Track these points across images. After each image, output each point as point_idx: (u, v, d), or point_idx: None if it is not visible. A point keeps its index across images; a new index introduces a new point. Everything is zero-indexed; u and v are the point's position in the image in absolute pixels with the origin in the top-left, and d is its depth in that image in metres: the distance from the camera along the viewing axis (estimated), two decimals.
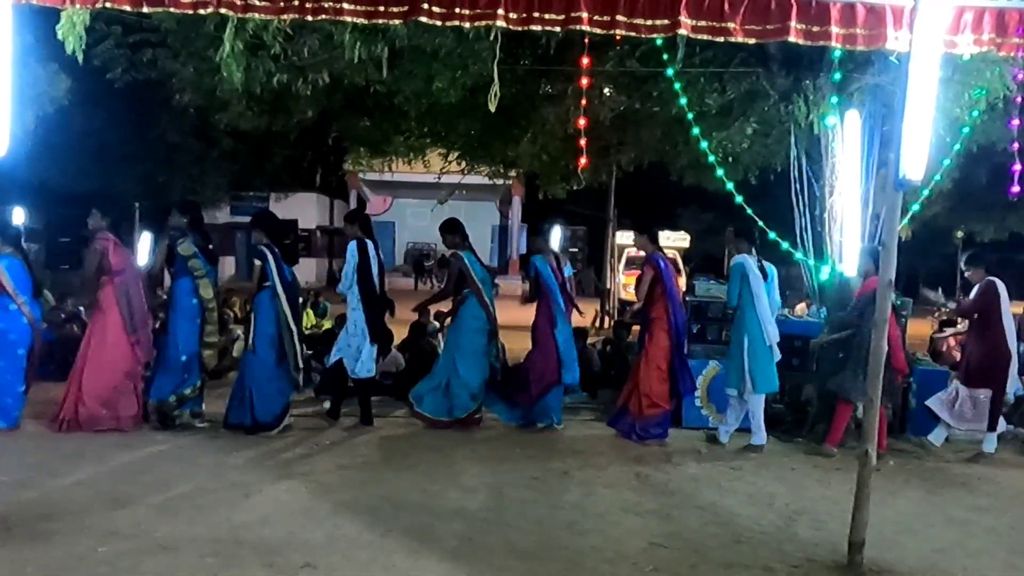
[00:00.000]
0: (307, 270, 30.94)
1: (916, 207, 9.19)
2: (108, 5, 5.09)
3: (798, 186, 8.56)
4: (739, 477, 6.85)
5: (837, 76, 7.92)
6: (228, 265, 32.80)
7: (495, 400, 8.39)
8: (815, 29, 5.01)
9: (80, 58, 6.67)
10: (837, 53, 7.52)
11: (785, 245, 8.97)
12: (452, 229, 8.39)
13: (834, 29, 5.00)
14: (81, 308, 11.87)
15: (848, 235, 8.25)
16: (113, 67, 10.16)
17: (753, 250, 7.77)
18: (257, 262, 7.68)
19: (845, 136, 8.14)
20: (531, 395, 8.18)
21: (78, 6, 5.35)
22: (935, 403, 7.78)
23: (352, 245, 7.99)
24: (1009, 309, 7.70)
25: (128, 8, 5.23)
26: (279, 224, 8.41)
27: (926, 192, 9.00)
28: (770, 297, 7.75)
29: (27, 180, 17.31)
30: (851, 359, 7.42)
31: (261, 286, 7.62)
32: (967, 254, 8.21)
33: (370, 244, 8.08)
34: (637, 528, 5.48)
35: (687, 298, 8.94)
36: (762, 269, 7.70)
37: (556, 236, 14.23)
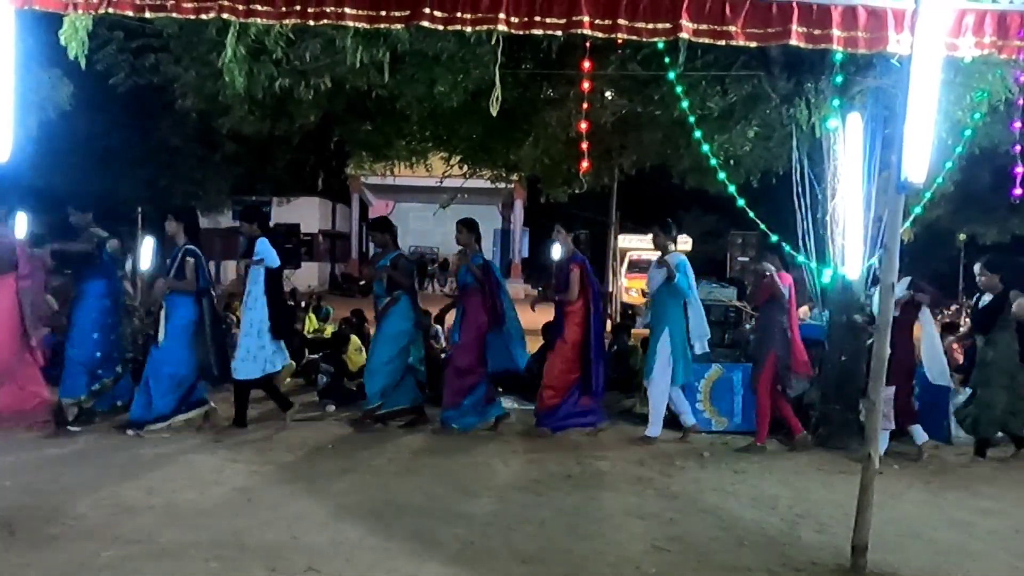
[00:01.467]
0: (309, 274, 31.00)
1: (918, 210, 9.15)
2: (110, 10, 5.11)
3: (800, 189, 8.54)
4: (742, 480, 6.84)
5: (839, 79, 7.91)
6: (231, 269, 32.88)
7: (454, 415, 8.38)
8: (816, 32, 5.01)
9: (83, 63, 6.67)
10: (839, 56, 7.51)
11: (787, 248, 8.96)
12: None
13: (835, 32, 5.00)
14: None
15: (850, 238, 8.24)
16: (115, 72, 10.17)
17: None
18: (191, 259, 7.71)
19: (847, 139, 8.13)
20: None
21: (80, 11, 5.35)
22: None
23: (264, 242, 7.96)
24: None
25: (130, 13, 5.24)
26: (195, 222, 8.51)
27: (928, 195, 8.97)
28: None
29: (30, 185, 17.28)
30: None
31: (194, 285, 7.71)
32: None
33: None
34: (640, 532, 5.48)
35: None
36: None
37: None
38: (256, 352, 7.88)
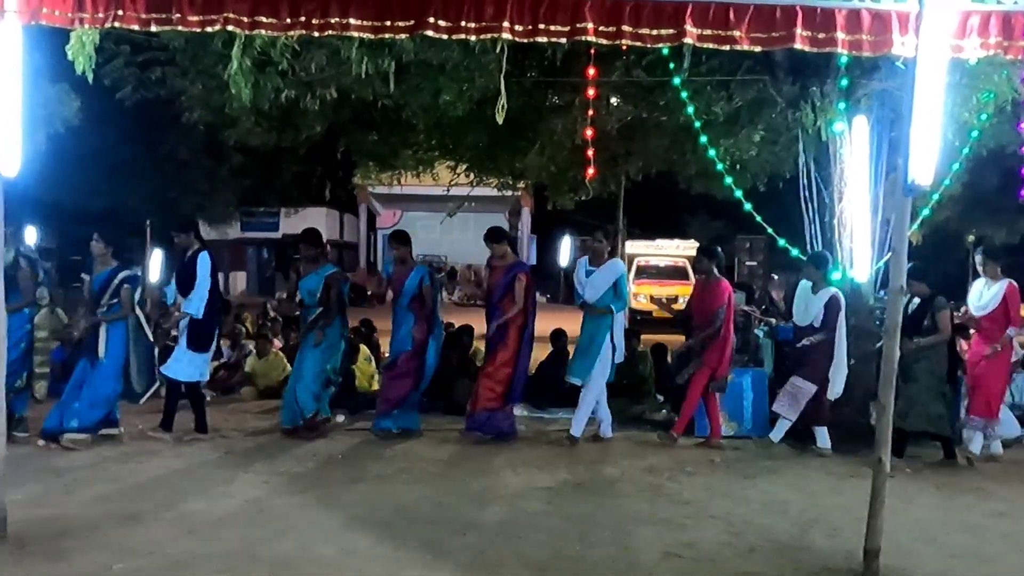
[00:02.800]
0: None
1: (926, 212, 9.16)
2: (117, 24, 5.13)
3: (807, 193, 8.54)
4: (752, 486, 6.82)
5: (844, 82, 7.91)
6: (240, 280, 32.96)
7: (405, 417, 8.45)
8: (821, 36, 5.00)
9: (90, 78, 6.71)
10: (844, 59, 7.51)
11: (795, 252, 8.95)
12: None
13: (840, 35, 4.99)
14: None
15: (858, 241, 8.23)
16: (122, 86, 10.21)
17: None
18: (128, 287, 7.65)
19: (853, 142, 8.13)
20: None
21: (87, 26, 5.37)
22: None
23: (205, 256, 7.94)
24: None
25: (136, 27, 5.26)
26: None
27: (936, 197, 8.97)
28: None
29: (39, 199, 17.40)
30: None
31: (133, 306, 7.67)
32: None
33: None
34: (650, 538, 5.47)
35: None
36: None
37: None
38: (193, 357, 7.88)
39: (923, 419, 7.61)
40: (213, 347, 8.20)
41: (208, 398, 9.98)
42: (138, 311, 7.82)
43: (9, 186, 5.16)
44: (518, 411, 9.38)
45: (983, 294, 7.85)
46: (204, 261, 7.89)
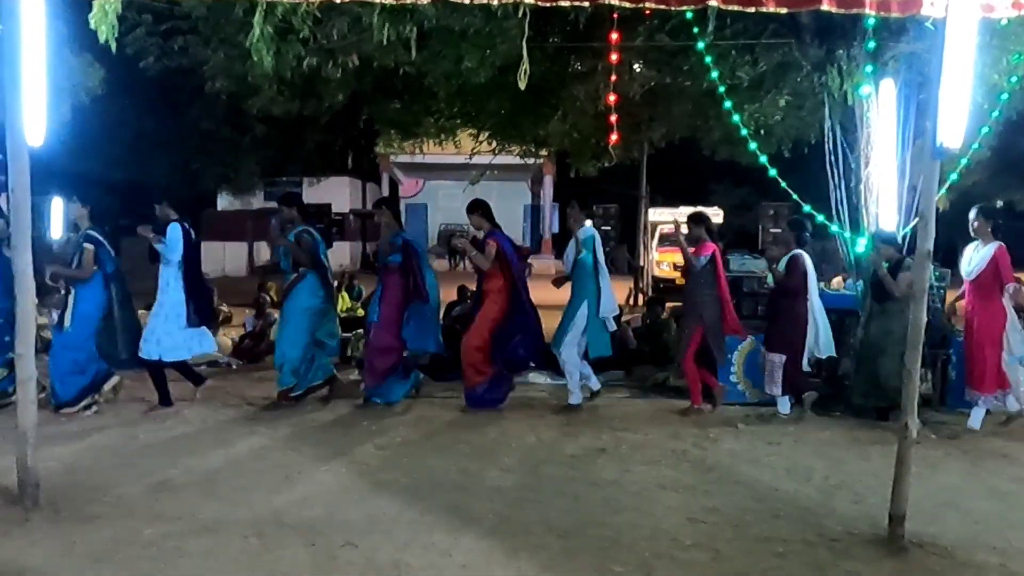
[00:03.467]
0: (341, 253, 31.15)
1: (954, 176, 9.03)
2: None
3: (832, 158, 8.45)
4: (777, 452, 6.82)
5: (871, 45, 7.79)
6: (264, 249, 33.11)
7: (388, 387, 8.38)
8: None
9: (113, 47, 6.74)
10: (871, 21, 7.40)
11: (820, 218, 8.88)
12: (471, 208, 8.41)
13: None
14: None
15: (884, 206, 8.15)
16: (145, 56, 10.24)
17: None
18: (89, 246, 7.57)
19: (880, 106, 8.02)
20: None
21: None
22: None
23: (174, 227, 7.90)
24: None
25: None
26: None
27: (964, 161, 8.85)
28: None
29: (63, 170, 17.48)
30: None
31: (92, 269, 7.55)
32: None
33: (187, 225, 8.05)
34: (675, 504, 5.49)
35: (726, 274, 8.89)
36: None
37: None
38: (162, 336, 7.82)
39: (885, 393, 7.61)
40: (199, 321, 8.00)
41: (234, 367, 10.12)
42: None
43: (34, 156, 5.19)
44: (541, 378, 9.43)
45: (972, 258, 7.59)
46: (173, 231, 7.86)
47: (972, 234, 7.61)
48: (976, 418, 7.58)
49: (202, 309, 8.07)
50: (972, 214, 7.65)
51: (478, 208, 8.32)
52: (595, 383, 8.50)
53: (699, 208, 8.44)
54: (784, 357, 7.91)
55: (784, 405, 8.03)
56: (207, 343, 8.15)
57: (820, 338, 7.97)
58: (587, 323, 8.18)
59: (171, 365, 7.98)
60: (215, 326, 9.74)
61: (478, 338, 8.08)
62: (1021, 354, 7.50)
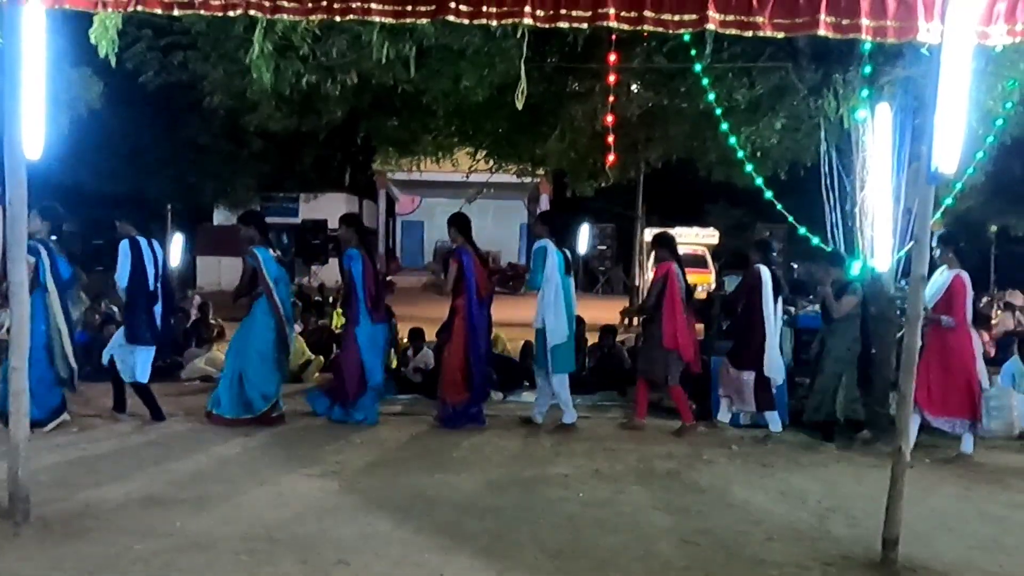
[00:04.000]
0: (336, 270, 31.17)
1: (949, 201, 9.06)
2: (140, 8, 5.14)
3: (828, 181, 8.47)
4: (771, 474, 6.81)
5: (867, 69, 7.82)
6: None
7: (316, 395, 8.56)
8: (845, 22, 4.95)
9: (113, 61, 6.75)
10: (867, 46, 7.43)
11: (816, 240, 8.90)
12: (453, 223, 8.47)
13: (864, 21, 4.94)
14: (115, 308, 12.04)
15: (880, 230, 8.17)
16: (145, 70, 10.25)
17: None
18: (30, 258, 7.25)
19: (876, 130, 8.05)
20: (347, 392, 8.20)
21: (110, 9, 5.40)
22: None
23: (123, 243, 7.89)
24: None
25: (159, 11, 5.28)
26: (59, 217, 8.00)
27: (959, 186, 8.87)
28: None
29: (61, 183, 17.52)
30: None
31: (34, 284, 7.27)
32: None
33: (145, 241, 8.01)
34: (668, 526, 5.47)
35: (719, 293, 8.93)
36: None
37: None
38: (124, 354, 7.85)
39: (822, 411, 7.84)
40: (150, 338, 7.93)
41: None
42: (51, 288, 7.49)
43: (32, 169, 5.20)
44: (535, 397, 9.40)
45: (932, 284, 7.53)
46: (122, 248, 7.85)
47: (938, 262, 7.73)
48: (967, 442, 7.54)
49: (151, 326, 7.93)
50: (934, 243, 7.73)
51: (455, 223, 8.40)
52: (537, 415, 8.40)
53: (665, 229, 8.56)
54: (753, 374, 8.02)
55: (775, 423, 8.07)
56: (137, 367, 7.94)
57: (771, 363, 8.09)
58: (549, 338, 8.14)
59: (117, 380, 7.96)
60: (174, 347, 9.67)
61: (458, 357, 8.06)
62: (985, 386, 7.60)
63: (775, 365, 8.07)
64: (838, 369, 7.83)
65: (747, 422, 8.37)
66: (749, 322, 8.14)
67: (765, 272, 8.15)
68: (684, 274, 8.43)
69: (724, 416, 8.42)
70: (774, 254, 8.03)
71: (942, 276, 7.55)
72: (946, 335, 7.47)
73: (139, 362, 7.91)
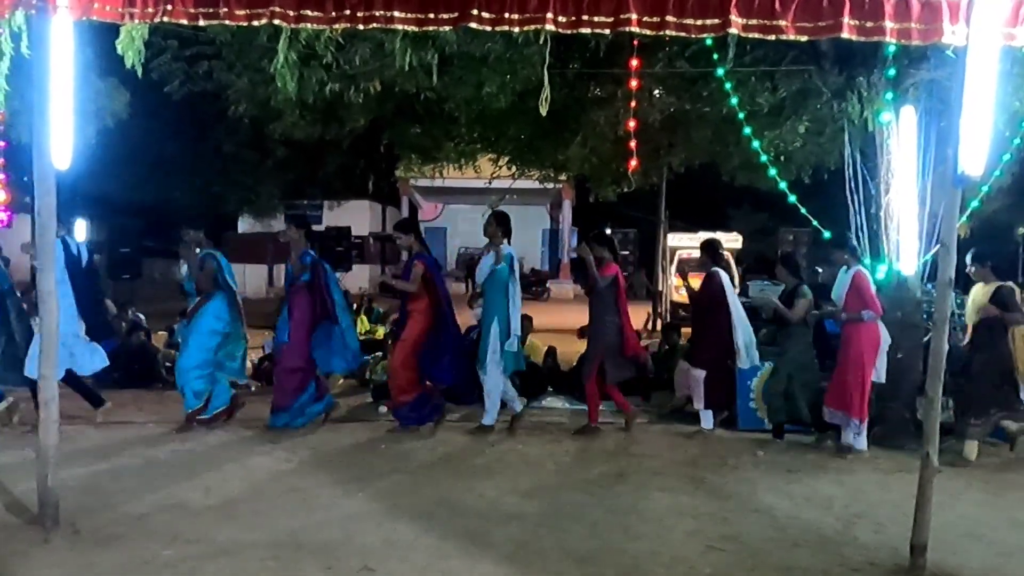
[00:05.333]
0: (360, 276, 31.26)
1: (975, 204, 8.97)
2: (166, 19, 5.20)
3: (852, 184, 8.41)
4: (796, 480, 6.77)
5: (891, 72, 7.78)
6: (283, 273, 33.23)
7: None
8: (868, 25, 4.93)
9: (139, 72, 6.82)
10: (891, 49, 7.38)
11: (827, 234, 8.85)
12: (403, 229, 8.55)
13: (888, 24, 4.91)
14: (141, 316, 12.16)
15: (905, 234, 8.11)
16: (170, 80, 10.35)
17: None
18: None
19: (901, 133, 7.99)
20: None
21: (137, 21, 5.47)
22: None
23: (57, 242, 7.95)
24: None
25: (185, 21, 5.34)
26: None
27: (985, 188, 8.79)
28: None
29: (88, 192, 17.75)
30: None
31: None
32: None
33: (72, 240, 8.03)
34: (693, 531, 5.45)
35: (741, 299, 8.90)
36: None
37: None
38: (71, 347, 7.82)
39: (782, 412, 8.04)
40: (84, 333, 7.94)
41: (252, 388, 10.14)
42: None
43: (60, 179, 5.27)
44: (557, 403, 9.42)
45: (838, 284, 7.95)
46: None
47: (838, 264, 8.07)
48: (848, 435, 7.72)
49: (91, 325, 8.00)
50: (831, 251, 8.24)
51: (407, 229, 8.48)
52: (517, 406, 8.45)
53: (605, 230, 8.71)
54: (704, 372, 8.24)
55: (707, 420, 8.32)
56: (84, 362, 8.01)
57: (742, 350, 8.26)
58: (500, 341, 8.15)
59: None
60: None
61: (402, 357, 8.07)
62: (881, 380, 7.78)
63: (751, 355, 8.30)
64: (792, 371, 7.99)
65: (769, 427, 8.31)
66: (710, 324, 8.35)
67: (724, 275, 8.41)
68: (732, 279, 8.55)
69: (708, 424, 8.40)
70: (723, 252, 8.37)
71: (845, 275, 7.82)
72: (859, 330, 7.66)
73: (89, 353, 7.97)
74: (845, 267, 7.88)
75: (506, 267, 8.15)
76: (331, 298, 8.20)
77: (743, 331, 8.31)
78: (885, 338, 7.74)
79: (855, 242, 8.20)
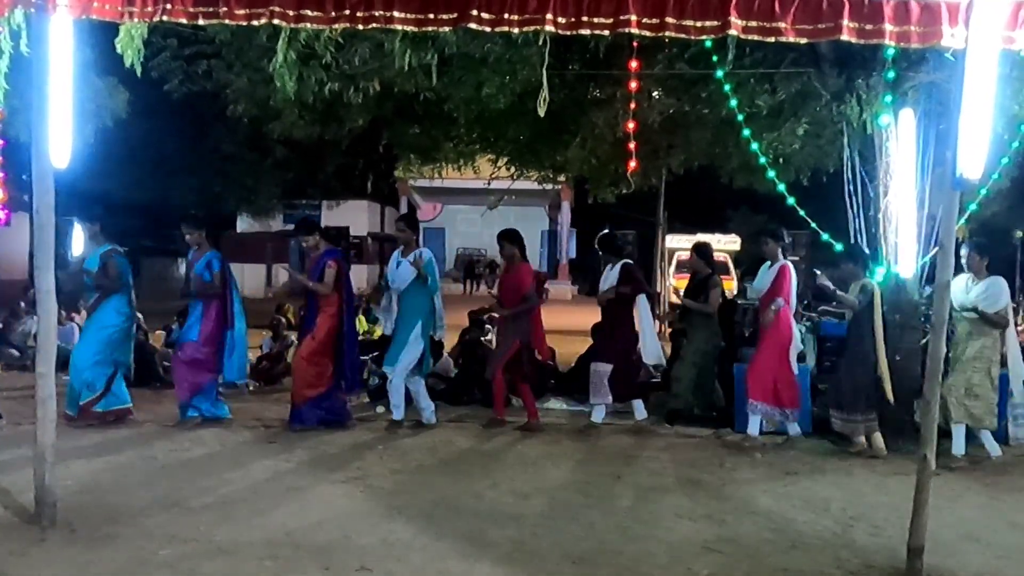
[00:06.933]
0: (358, 277, 31.27)
1: (973, 207, 8.98)
2: (165, 18, 5.20)
3: (851, 187, 8.43)
4: (794, 482, 6.77)
5: (891, 75, 7.78)
6: (283, 272, 33.25)
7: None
8: (868, 27, 4.93)
9: (138, 71, 6.82)
10: (890, 51, 7.39)
11: (839, 247, 8.85)
12: (308, 229, 8.51)
13: (887, 27, 4.91)
14: (139, 315, 12.14)
15: (904, 236, 8.12)
16: (169, 79, 10.36)
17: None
18: None
19: (899, 135, 8.00)
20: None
21: (136, 19, 5.46)
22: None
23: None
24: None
25: (184, 21, 5.34)
26: None
27: (984, 191, 8.81)
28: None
29: (88, 191, 17.74)
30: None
31: None
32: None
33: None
34: (691, 533, 5.45)
35: (738, 301, 8.93)
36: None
37: None
38: None
39: (681, 399, 8.39)
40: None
41: (251, 388, 10.14)
42: None
43: (59, 178, 5.26)
44: (556, 404, 9.41)
45: (761, 276, 8.18)
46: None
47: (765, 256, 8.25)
48: (753, 426, 7.93)
49: None
50: (763, 239, 8.35)
51: (314, 229, 8.44)
52: (431, 417, 8.45)
53: (510, 228, 8.83)
54: (611, 367, 8.34)
55: (599, 414, 8.49)
56: None
57: (647, 346, 8.50)
58: (421, 340, 8.23)
59: None
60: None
61: (309, 352, 8.03)
62: (796, 371, 8.01)
63: (652, 351, 8.53)
64: (697, 361, 8.26)
65: (769, 429, 8.32)
66: (617, 319, 8.51)
67: (636, 269, 8.60)
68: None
69: (598, 417, 8.58)
70: (630, 247, 8.67)
71: (771, 268, 8.06)
72: (777, 322, 7.86)
73: None
74: (769, 263, 8.15)
75: (433, 269, 8.30)
76: (232, 304, 8.29)
77: (649, 326, 8.61)
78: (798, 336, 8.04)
79: (864, 250, 8.20)
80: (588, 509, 5.88)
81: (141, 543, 4.94)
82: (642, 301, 8.56)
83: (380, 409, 8.96)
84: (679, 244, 24.72)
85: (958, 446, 7.51)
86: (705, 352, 8.37)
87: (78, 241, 10.50)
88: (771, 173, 9.12)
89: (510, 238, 8.62)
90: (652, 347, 8.61)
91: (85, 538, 5.00)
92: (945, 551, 5.08)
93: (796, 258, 24.33)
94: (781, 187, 9.20)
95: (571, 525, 5.51)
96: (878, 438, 7.62)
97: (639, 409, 8.61)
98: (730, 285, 22.76)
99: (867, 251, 8.18)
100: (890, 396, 7.53)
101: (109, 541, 4.97)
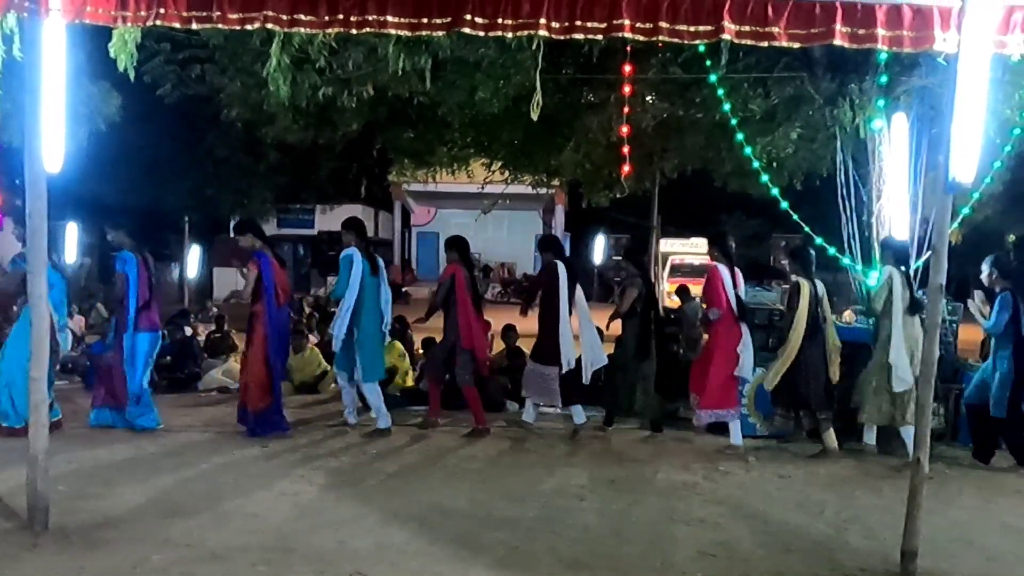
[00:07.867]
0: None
1: (966, 210, 9.03)
2: (158, 22, 5.19)
3: (844, 191, 8.46)
4: (788, 486, 6.77)
5: (883, 79, 7.82)
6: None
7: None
8: (860, 32, 4.95)
9: (131, 75, 6.82)
10: (883, 56, 7.43)
11: (832, 251, 8.87)
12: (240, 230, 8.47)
13: (880, 31, 4.93)
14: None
15: (896, 240, 8.14)
16: (163, 83, 10.34)
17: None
18: None
19: (892, 139, 8.04)
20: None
21: (129, 24, 5.45)
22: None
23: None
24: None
25: (177, 25, 5.33)
26: None
27: (976, 195, 8.84)
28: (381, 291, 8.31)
29: (80, 195, 17.66)
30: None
31: None
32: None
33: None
34: (685, 537, 5.45)
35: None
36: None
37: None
38: None
39: (619, 406, 8.49)
40: None
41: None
42: None
43: (52, 182, 5.25)
44: (552, 408, 9.39)
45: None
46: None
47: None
48: (734, 433, 7.88)
49: None
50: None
51: (247, 230, 8.22)
52: (352, 418, 8.39)
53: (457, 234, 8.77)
54: (556, 368, 8.19)
55: (579, 416, 8.27)
56: None
57: (566, 351, 8.24)
58: (358, 346, 8.08)
59: None
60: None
61: (257, 363, 7.80)
62: (747, 376, 7.97)
63: (569, 355, 8.25)
64: (625, 363, 8.35)
65: (763, 433, 8.32)
66: (549, 319, 8.29)
67: (561, 267, 8.30)
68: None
69: (529, 417, 8.51)
70: (564, 250, 8.89)
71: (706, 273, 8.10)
72: (717, 327, 7.87)
73: None
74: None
75: (344, 274, 8.02)
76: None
77: (588, 326, 8.52)
78: (746, 335, 7.87)
79: (808, 251, 8.13)
80: (582, 513, 5.88)
81: (133, 548, 4.92)
82: (563, 303, 8.21)
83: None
84: (673, 248, 24.75)
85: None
86: (630, 356, 8.37)
87: (71, 245, 10.46)
88: (764, 177, 9.15)
89: (448, 245, 8.45)
90: (569, 352, 8.26)
91: (78, 543, 4.98)
92: (939, 554, 5.09)
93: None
94: (774, 191, 9.23)
95: (565, 529, 5.50)
96: (830, 435, 7.62)
97: (579, 414, 8.33)
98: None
99: (811, 252, 8.08)
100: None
101: (102, 546, 4.95)
